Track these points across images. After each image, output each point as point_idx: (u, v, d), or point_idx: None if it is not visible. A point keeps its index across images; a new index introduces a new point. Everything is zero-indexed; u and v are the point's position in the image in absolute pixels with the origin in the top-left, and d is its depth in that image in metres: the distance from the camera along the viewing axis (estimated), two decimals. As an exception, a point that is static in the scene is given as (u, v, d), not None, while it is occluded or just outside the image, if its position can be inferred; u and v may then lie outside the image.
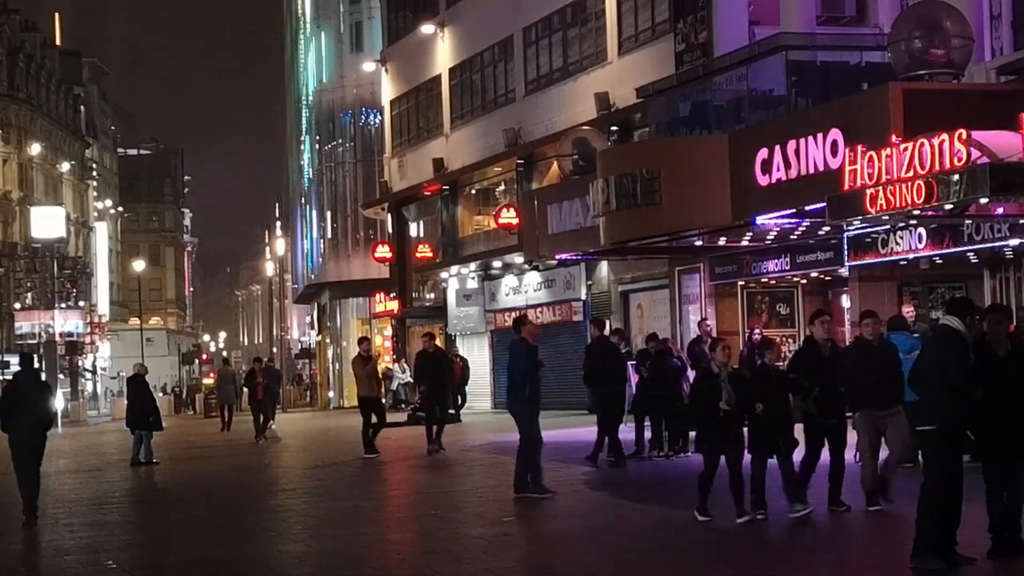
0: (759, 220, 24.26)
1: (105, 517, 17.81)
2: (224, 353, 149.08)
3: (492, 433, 28.69)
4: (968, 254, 23.27)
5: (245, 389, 37.04)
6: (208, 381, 73.84)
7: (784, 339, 29.20)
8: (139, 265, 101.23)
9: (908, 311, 24.11)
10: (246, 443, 33.30)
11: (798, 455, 14.03)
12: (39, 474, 17.40)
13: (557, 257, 33.55)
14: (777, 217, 23.87)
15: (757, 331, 23.28)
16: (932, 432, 10.95)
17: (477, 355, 43.31)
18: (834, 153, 21.26)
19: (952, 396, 10.83)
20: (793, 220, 23.93)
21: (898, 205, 18.98)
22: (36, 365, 18.43)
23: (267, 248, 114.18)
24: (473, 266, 42.84)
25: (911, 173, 18.66)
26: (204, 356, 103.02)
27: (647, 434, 22.05)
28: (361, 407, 25.87)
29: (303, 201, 74.37)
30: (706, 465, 14.02)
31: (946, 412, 10.85)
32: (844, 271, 26.35)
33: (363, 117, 60.32)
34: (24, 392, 17.24)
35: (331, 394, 65.92)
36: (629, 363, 23.78)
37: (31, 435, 17.08)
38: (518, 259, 38.22)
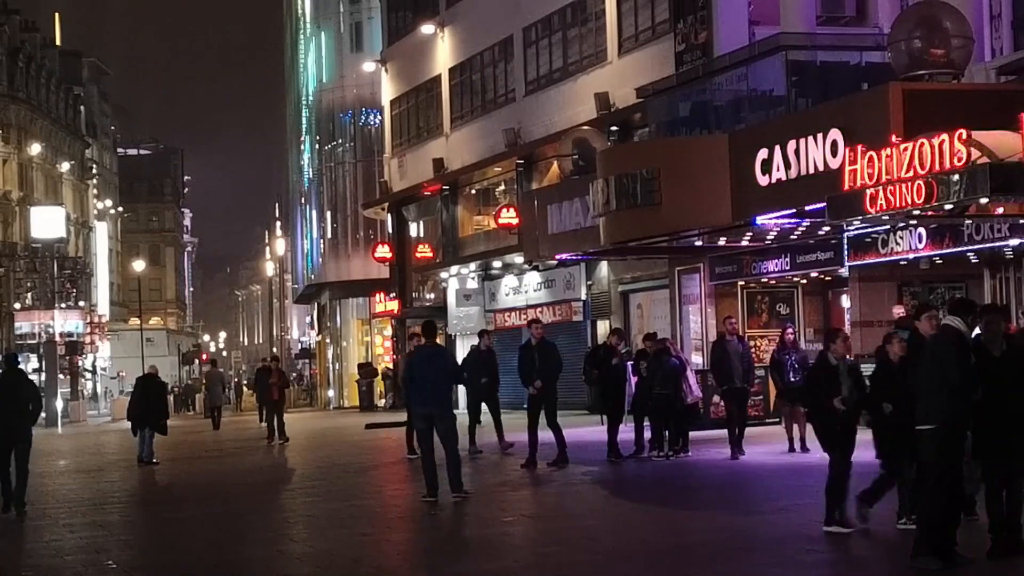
0: (759, 220, 24.25)
1: (105, 517, 17.81)
2: (223, 355, 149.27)
3: (492, 434, 28.65)
4: (968, 254, 23.27)
5: (246, 389, 37.29)
6: (208, 381, 74.03)
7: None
8: (139, 265, 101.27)
9: (898, 311, 24.11)
10: (245, 443, 33.33)
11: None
12: (27, 468, 18.10)
13: (557, 257, 33.55)
14: (777, 217, 23.87)
15: (791, 329, 22.64)
16: (932, 432, 10.96)
17: (477, 355, 43.25)
18: (834, 153, 21.25)
19: (953, 396, 10.84)
20: (793, 220, 23.92)
21: (898, 205, 18.98)
22: (20, 365, 19.13)
23: (267, 248, 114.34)
24: (473, 266, 42.84)
25: (911, 173, 18.66)
26: (204, 356, 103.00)
27: (647, 434, 22.05)
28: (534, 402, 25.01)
29: (303, 201, 74.40)
30: (834, 469, 12.80)
31: (947, 412, 10.86)
32: (844, 271, 26.35)
33: (363, 117, 60.33)
34: (8, 390, 17.86)
35: (331, 394, 65.95)
36: (628, 363, 23.75)
37: (17, 432, 17.86)
38: (518, 259, 38.22)
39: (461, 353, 43.35)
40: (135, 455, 26.79)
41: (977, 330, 11.47)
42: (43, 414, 53.94)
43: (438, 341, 18.10)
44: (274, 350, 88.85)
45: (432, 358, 17.59)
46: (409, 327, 51.73)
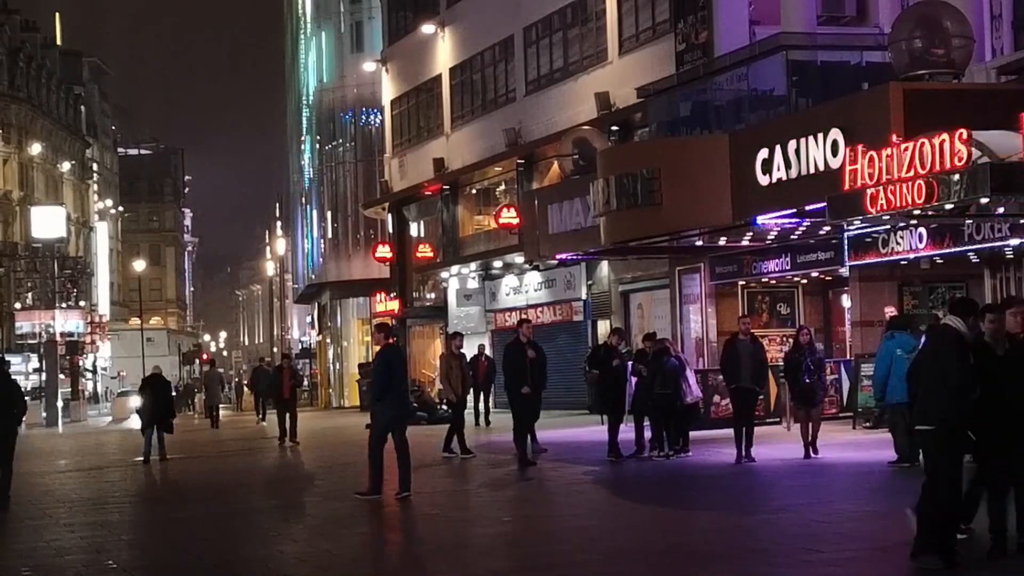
0: (759, 220, 24.27)
1: (105, 517, 17.81)
2: (223, 354, 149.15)
3: (493, 434, 28.68)
4: (968, 254, 23.29)
5: (246, 389, 37.50)
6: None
7: (784, 339, 29.19)
8: (139, 265, 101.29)
9: (889, 311, 24.10)
10: (246, 442, 33.31)
11: None
12: (11, 464, 19.04)
13: (557, 257, 33.57)
14: (777, 217, 23.88)
15: (806, 331, 21.26)
16: (932, 431, 10.94)
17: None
18: (834, 153, 21.27)
19: (953, 397, 10.82)
20: (793, 220, 23.94)
21: (898, 205, 18.99)
22: (6, 368, 19.93)
23: (267, 248, 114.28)
24: (473, 266, 42.85)
25: (911, 173, 18.67)
26: (204, 356, 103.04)
27: (647, 434, 22.02)
28: (520, 404, 22.59)
29: (303, 201, 74.39)
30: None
31: (946, 412, 10.84)
32: (844, 271, 26.36)
33: (363, 117, 60.33)
34: None
35: (331, 393, 65.96)
36: (628, 363, 23.70)
37: (5, 431, 18.87)
38: (518, 259, 38.22)
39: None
40: (142, 455, 26.96)
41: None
42: (43, 414, 54.28)
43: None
44: (274, 350, 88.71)
45: (398, 359, 17.85)
46: (409, 327, 51.90)
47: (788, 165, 22.61)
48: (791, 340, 28.94)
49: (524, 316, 31.37)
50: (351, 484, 20.94)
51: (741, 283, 30.19)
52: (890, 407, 18.79)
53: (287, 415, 31.41)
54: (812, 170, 21.98)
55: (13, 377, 21.08)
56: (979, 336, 11.26)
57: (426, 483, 20.80)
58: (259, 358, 69.61)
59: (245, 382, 77.49)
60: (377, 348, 18.28)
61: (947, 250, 23.08)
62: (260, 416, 45.52)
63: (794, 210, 23.01)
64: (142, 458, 26.68)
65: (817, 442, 20.29)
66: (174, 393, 67.43)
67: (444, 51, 46.21)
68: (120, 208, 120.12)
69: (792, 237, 26.37)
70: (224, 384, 45.87)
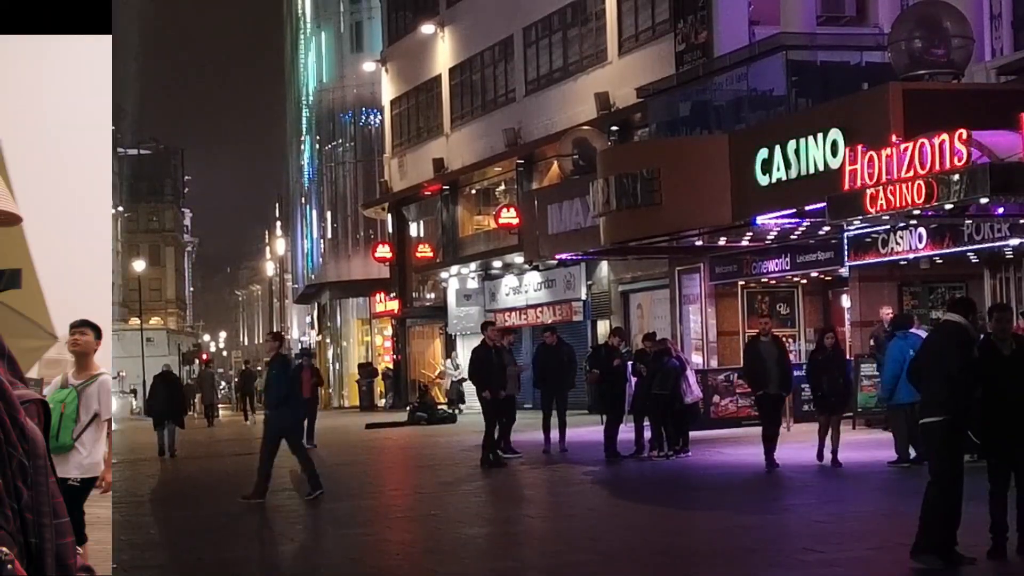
0: (759, 220, 24.27)
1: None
2: (223, 354, 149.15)
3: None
4: (968, 254, 23.28)
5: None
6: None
7: (784, 339, 29.15)
8: (139, 265, 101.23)
9: (886, 312, 24.07)
10: (241, 443, 33.27)
11: None
12: None
13: (557, 257, 33.57)
14: (777, 217, 23.88)
15: (831, 334, 19.96)
16: (936, 423, 10.91)
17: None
18: (834, 153, 21.27)
19: (955, 390, 10.82)
20: (793, 220, 23.93)
21: (898, 205, 18.99)
22: None
23: (267, 248, 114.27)
24: (473, 266, 42.85)
25: (911, 173, 18.67)
26: (204, 356, 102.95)
27: (647, 434, 22.03)
28: (487, 408, 22.01)
29: (303, 201, 74.39)
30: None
31: (948, 406, 10.83)
32: (844, 271, 26.36)
33: (363, 117, 60.36)
34: None
35: (331, 393, 65.96)
36: (628, 363, 23.74)
37: None
38: (518, 259, 38.23)
39: (464, 353, 43.45)
40: (155, 451, 27.66)
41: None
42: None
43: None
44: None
45: (290, 368, 18.27)
46: (409, 327, 51.90)
47: (788, 165, 22.61)
48: (789, 340, 29.14)
49: (490, 319, 31.17)
50: (350, 484, 20.95)
51: (741, 283, 30.18)
52: (895, 407, 18.74)
53: (307, 416, 30.39)
54: (812, 170, 21.98)
55: None
56: (986, 336, 11.27)
57: (426, 483, 20.82)
58: (245, 361, 69.96)
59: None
60: (271, 355, 18.69)
61: (947, 250, 23.08)
62: (247, 416, 46.47)
63: (794, 210, 23.01)
64: (158, 453, 27.12)
65: (838, 451, 19.27)
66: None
67: (444, 51, 46.21)
68: (120, 208, 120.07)
69: (792, 237, 26.37)
70: (218, 384, 47.32)
